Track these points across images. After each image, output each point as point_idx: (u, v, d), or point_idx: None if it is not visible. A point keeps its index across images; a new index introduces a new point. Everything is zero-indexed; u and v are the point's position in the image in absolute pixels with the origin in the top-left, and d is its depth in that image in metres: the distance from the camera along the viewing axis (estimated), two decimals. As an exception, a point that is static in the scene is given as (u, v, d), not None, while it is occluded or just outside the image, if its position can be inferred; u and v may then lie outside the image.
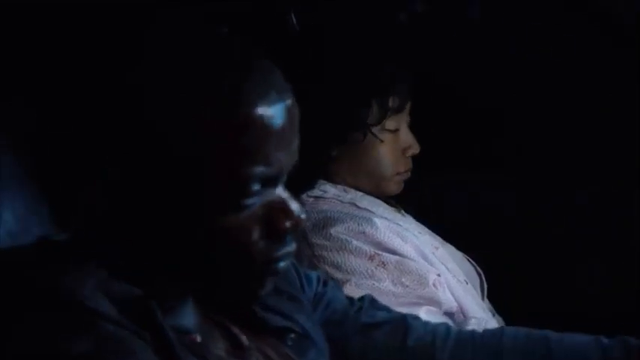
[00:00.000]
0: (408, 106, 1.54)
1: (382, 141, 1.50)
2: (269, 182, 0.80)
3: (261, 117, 0.77)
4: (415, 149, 1.55)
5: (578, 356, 1.06)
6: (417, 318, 1.13)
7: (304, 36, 1.56)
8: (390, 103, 1.49)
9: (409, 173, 1.57)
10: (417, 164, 1.58)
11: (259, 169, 0.78)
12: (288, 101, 0.80)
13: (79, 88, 0.79)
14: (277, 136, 0.78)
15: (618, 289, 1.74)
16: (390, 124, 1.51)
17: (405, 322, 1.10)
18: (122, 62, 0.77)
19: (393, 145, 1.53)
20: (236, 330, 0.91)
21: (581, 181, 1.80)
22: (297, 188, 1.49)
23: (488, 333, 1.12)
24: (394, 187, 1.56)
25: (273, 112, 0.78)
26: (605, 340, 1.07)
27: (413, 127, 1.58)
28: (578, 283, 1.79)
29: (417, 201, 1.68)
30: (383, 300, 1.26)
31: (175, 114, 0.76)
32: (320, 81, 1.46)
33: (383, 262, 1.41)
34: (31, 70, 1.17)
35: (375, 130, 1.49)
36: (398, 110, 1.51)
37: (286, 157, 0.80)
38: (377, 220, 1.46)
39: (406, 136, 1.55)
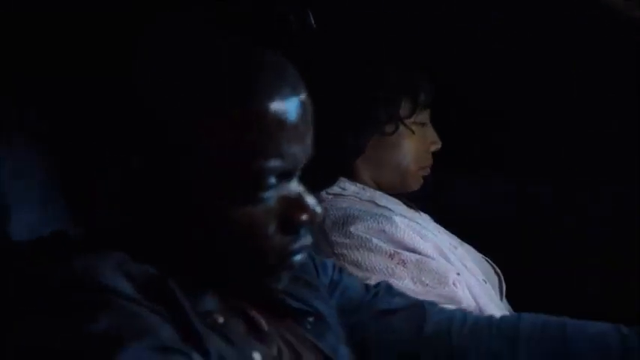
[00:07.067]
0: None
1: (414, 132, 1.53)
2: (284, 176, 0.81)
3: (275, 112, 0.78)
4: (438, 145, 1.58)
5: (596, 343, 1.06)
6: (433, 304, 1.12)
7: (327, 33, 1.58)
8: (421, 98, 1.53)
9: (429, 170, 1.59)
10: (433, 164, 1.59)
11: (274, 163, 0.79)
12: (302, 96, 0.81)
13: (99, 85, 0.79)
14: (291, 130, 0.79)
15: (637, 291, 1.72)
16: (419, 117, 1.54)
17: (422, 308, 1.11)
18: (137, 64, 0.79)
19: (421, 139, 1.55)
20: (255, 314, 0.91)
21: (603, 180, 1.79)
22: (318, 185, 1.50)
23: (505, 319, 1.12)
24: (416, 183, 1.58)
25: (287, 107, 0.79)
26: (625, 329, 1.07)
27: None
28: (597, 284, 1.78)
29: (433, 202, 1.68)
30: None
31: (190, 109, 0.77)
32: (351, 77, 1.50)
33: (403, 261, 1.40)
34: (45, 70, 1.17)
35: (407, 122, 1.53)
36: (426, 105, 1.54)
37: (300, 151, 0.81)
38: (397, 219, 1.46)
39: (431, 132, 1.58)
